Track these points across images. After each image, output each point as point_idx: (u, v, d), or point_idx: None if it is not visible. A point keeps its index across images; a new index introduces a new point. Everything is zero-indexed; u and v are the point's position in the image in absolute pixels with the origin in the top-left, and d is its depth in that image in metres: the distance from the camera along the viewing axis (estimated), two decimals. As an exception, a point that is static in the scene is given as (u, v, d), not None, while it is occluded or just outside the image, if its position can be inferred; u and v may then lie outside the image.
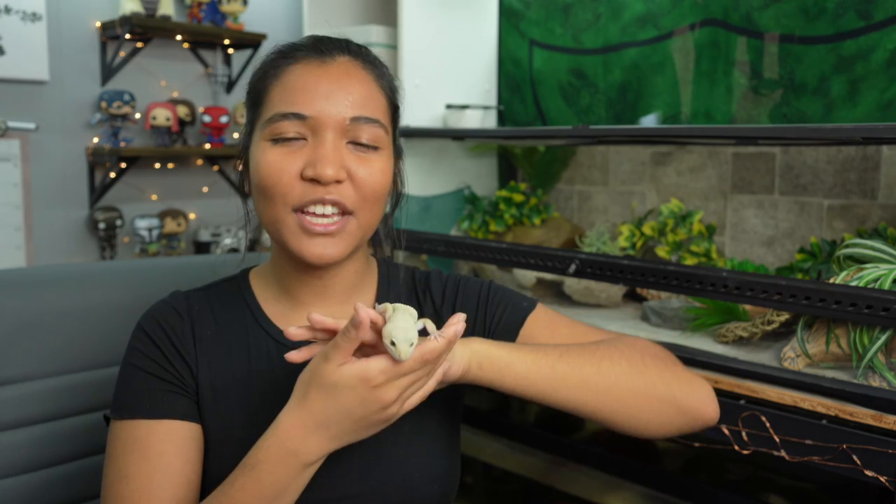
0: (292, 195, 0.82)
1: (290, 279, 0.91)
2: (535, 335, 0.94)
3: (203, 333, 0.88)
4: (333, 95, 0.82)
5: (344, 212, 0.83)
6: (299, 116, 0.82)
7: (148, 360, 0.86)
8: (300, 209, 0.82)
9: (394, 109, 0.90)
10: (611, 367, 0.85)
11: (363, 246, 0.93)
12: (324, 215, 0.82)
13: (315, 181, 0.81)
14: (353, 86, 0.84)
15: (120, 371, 0.87)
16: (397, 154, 0.93)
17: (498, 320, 0.95)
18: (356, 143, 0.84)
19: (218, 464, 0.84)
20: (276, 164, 0.82)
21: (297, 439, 0.73)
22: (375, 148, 0.85)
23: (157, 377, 0.85)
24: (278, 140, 0.83)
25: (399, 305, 0.75)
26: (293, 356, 0.74)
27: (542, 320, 0.95)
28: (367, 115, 0.84)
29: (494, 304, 0.96)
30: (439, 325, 0.74)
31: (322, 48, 0.86)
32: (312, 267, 0.86)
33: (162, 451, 0.81)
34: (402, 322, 0.70)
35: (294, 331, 0.74)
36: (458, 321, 0.73)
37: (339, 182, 0.82)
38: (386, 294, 0.96)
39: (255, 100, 0.87)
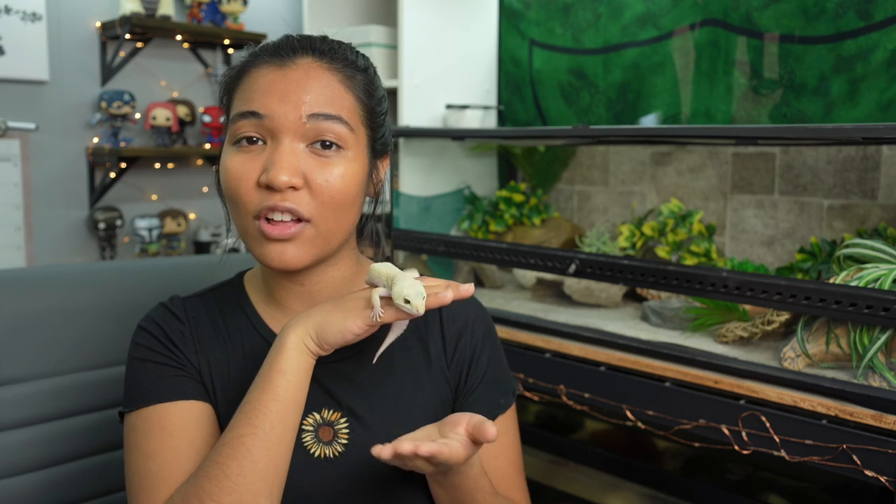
0: (251, 203, 0.81)
1: (275, 284, 0.91)
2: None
3: (203, 337, 0.89)
4: (289, 96, 0.80)
5: (299, 219, 0.81)
6: (255, 115, 0.81)
7: (152, 352, 0.87)
8: (258, 216, 0.81)
9: (368, 112, 0.86)
10: None
11: (349, 251, 0.91)
12: (282, 221, 0.81)
13: (270, 188, 0.80)
14: (312, 85, 0.82)
15: (126, 370, 0.88)
16: (375, 156, 0.89)
17: (472, 388, 0.93)
18: (319, 145, 0.82)
19: None
20: (236, 171, 0.82)
21: (287, 324, 0.81)
22: (339, 148, 0.82)
23: (163, 364, 0.86)
24: (240, 143, 0.82)
25: (395, 270, 0.78)
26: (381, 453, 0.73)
27: (500, 432, 0.91)
28: (327, 111, 0.81)
29: (481, 367, 0.94)
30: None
31: (282, 52, 0.84)
32: (289, 272, 0.86)
33: (184, 426, 0.82)
34: (409, 279, 0.75)
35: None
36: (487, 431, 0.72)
37: (295, 189, 0.80)
38: None
39: (226, 104, 0.88)
